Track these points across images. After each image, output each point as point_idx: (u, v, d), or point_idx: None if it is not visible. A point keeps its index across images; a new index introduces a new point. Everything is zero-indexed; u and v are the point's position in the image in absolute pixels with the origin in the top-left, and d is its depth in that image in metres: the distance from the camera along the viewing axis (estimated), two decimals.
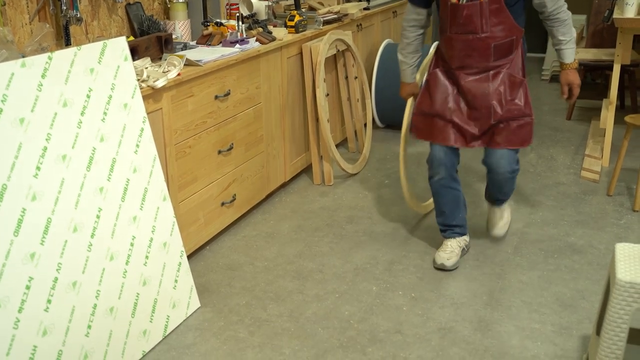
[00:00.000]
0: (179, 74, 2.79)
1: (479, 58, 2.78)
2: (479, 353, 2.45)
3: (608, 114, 4.20)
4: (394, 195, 3.84)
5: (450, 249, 3.04)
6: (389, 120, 4.96)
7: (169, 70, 2.78)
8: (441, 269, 3.00)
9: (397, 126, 5.00)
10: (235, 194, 3.32)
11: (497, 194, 3.14)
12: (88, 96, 2.29)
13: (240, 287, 2.91)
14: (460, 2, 2.69)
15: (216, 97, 3.08)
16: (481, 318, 2.66)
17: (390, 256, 3.16)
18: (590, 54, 5.17)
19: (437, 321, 2.65)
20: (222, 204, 3.23)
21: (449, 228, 3.09)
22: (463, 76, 2.84)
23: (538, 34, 7.32)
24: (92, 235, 2.26)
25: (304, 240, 3.32)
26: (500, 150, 2.87)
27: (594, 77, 5.87)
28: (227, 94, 3.15)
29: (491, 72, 2.82)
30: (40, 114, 2.11)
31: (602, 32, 5.40)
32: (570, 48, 2.86)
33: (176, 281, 2.63)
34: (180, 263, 2.66)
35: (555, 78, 6.35)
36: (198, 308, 2.75)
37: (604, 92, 5.44)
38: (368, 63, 4.80)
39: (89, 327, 2.23)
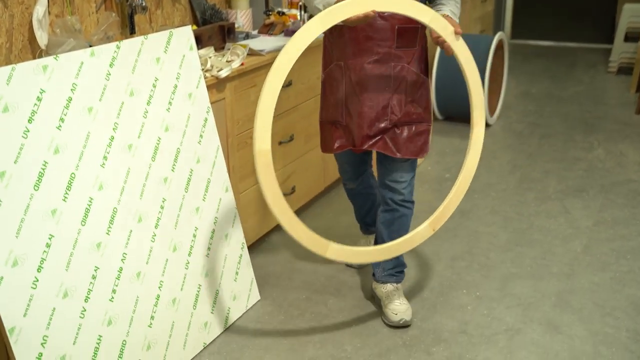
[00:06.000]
0: (242, 64, 2.76)
1: (380, 41, 2.36)
2: (550, 357, 2.35)
3: None
4: None
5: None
6: (448, 112, 4.84)
7: (232, 60, 2.75)
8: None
9: (456, 118, 4.89)
10: (294, 186, 3.28)
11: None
12: (154, 85, 2.27)
13: (300, 280, 2.87)
14: None
15: None
16: (550, 320, 2.56)
17: (453, 252, 3.07)
18: None
19: (504, 322, 2.56)
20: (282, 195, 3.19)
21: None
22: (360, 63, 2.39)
23: (604, 24, 7.11)
24: (156, 226, 2.25)
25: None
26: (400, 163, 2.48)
27: None
28: (289, 85, 3.10)
29: (392, 64, 2.39)
30: (108, 103, 2.10)
31: None
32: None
33: (237, 273, 2.60)
34: (241, 255, 2.63)
35: (622, 70, 6.10)
36: (258, 301, 2.72)
37: None
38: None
39: (152, 317, 2.22)
